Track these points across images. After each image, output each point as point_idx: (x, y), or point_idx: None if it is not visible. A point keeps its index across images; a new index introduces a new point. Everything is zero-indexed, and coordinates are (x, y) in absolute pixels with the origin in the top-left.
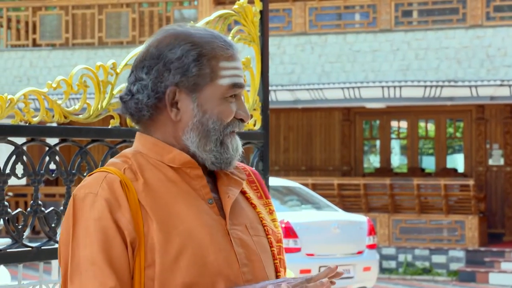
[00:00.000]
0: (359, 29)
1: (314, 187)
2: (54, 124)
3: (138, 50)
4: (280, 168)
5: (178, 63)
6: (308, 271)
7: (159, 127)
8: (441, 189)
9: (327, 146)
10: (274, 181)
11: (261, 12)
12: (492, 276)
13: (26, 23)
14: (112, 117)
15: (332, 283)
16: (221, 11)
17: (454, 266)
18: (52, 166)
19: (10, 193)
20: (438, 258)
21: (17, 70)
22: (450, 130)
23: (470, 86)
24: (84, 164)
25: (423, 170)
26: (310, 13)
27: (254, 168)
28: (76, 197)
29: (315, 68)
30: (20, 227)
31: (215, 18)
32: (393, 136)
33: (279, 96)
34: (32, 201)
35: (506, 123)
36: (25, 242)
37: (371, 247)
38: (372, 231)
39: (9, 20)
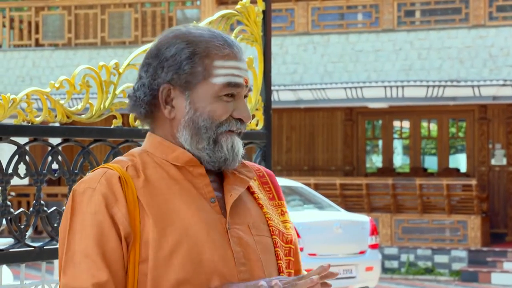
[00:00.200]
0: (362, 29)
1: (317, 187)
2: (57, 124)
3: (140, 50)
4: (283, 168)
5: (172, 61)
6: (310, 271)
7: (159, 125)
8: (444, 189)
9: (330, 146)
10: None
11: (263, 12)
12: (495, 276)
13: (29, 23)
14: (114, 117)
15: (327, 284)
16: (224, 11)
17: (456, 266)
18: (55, 166)
19: (13, 193)
20: (441, 258)
21: (20, 70)
22: (453, 130)
23: (472, 86)
24: (87, 164)
25: (425, 170)
26: (313, 13)
27: None
28: (75, 192)
29: (317, 68)
30: (22, 227)
31: (218, 18)
32: (395, 136)
33: (282, 96)
34: (34, 201)
35: (508, 123)
36: (28, 242)
37: (373, 247)
38: (374, 231)
39: (11, 20)
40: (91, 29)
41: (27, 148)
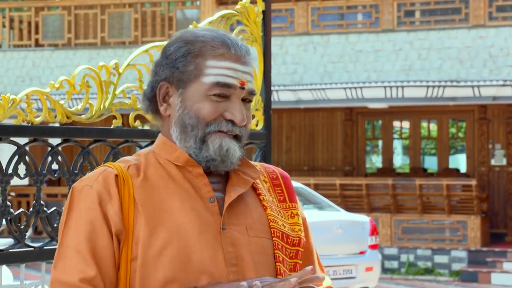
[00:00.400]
0: (362, 29)
1: (316, 187)
2: (57, 124)
3: (140, 50)
4: (282, 168)
5: (169, 59)
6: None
7: (163, 124)
8: (443, 189)
9: (329, 146)
10: None
11: (263, 12)
12: (494, 276)
13: (29, 23)
14: (114, 117)
15: None
16: (224, 11)
17: (456, 266)
18: (55, 166)
19: (13, 193)
20: (440, 258)
21: (20, 70)
22: (453, 130)
23: (472, 86)
24: (87, 164)
25: (425, 170)
26: (313, 13)
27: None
28: (74, 189)
29: (317, 68)
30: (22, 227)
31: (218, 18)
32: (395, 136)
33: (282, 96)
34: (34, 201)
35: (508, 123)
36: (27, 242)
37: (373, 247)
38: (374, 231)
39: (11, 20)
40: (91, 29)
41: (27, 148)
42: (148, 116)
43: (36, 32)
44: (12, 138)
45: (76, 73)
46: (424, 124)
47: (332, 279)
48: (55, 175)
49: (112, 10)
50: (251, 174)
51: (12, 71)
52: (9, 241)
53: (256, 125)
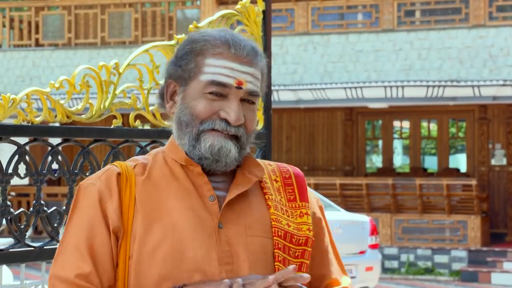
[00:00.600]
0: (362, 29)
1: (316, 187)
2: (57, 124)
3: (140, 50)
4: None
5: (176, 58)
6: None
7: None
8: (444, 189)
9: (330, 146)
10: None
11: (263, 12)
12: (495, 276)
13: (29, 23)
14: (114, 117)
15: (296, 287)
16: (224, 11)
17: (456, 266)
18: (55, 166)
19: (13, 193)
20: (440, 258)
21: (20, 70)
22: (453, 130)
23: (472, 86)
24: (87, 164)
25: (425, 170)
26: (313, 13)
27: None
28: (80, 187)
29: (317, 68)
30: (22, 226)
31: (218, 18)
32: (395, 136)
33: (282, 96)
34: (34, 201)
35: (508, 123)
36: (28, 242)
37: (373, 247)
38: (374, 231)
39: (11, 20)
40: (91, 29)
41: (27, 148)
42: (157, 115)
43: (36, 32)
44: (12, 138)
45: (76, 73)
46: (424, 124)
47: None
48: (55, 174)
49: (112, 10)
50: (256, 172)
51: (12, 71)
52: (9, 240)
53: (256, 125)
